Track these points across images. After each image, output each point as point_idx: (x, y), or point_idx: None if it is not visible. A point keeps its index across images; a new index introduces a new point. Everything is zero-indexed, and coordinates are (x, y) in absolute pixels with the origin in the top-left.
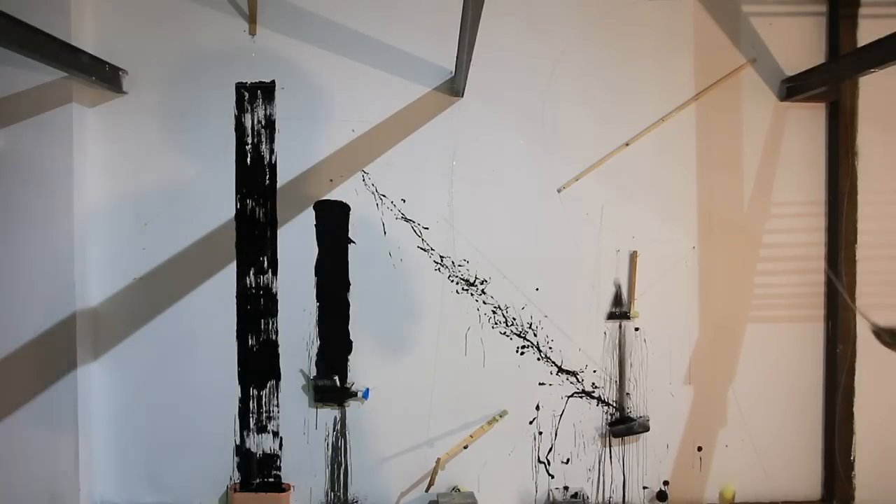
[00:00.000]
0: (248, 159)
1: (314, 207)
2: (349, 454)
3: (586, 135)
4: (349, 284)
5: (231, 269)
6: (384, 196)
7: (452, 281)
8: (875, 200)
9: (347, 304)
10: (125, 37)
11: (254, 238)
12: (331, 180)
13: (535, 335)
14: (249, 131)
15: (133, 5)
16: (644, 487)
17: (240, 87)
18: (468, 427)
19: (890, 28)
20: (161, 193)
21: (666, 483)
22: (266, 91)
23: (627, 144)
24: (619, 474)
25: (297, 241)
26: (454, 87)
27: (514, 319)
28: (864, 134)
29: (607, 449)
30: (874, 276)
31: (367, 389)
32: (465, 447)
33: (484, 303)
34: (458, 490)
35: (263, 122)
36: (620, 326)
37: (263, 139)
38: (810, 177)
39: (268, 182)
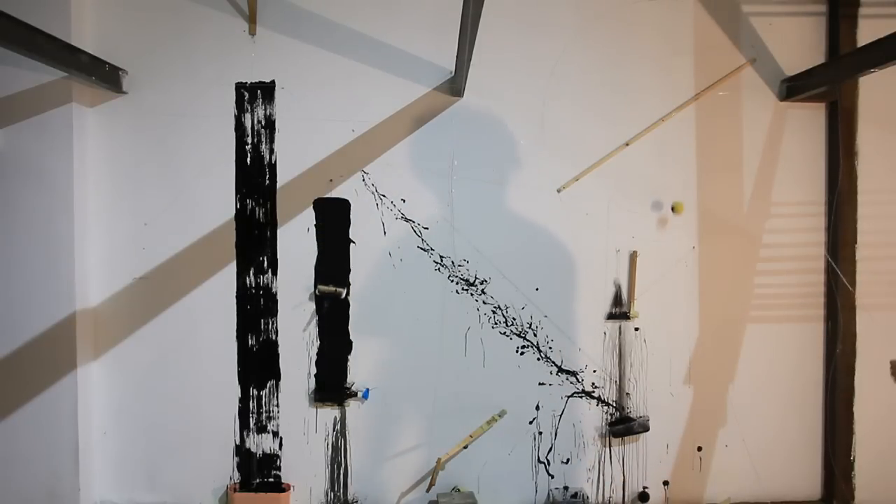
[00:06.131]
0: (248, 159)
1: (314, 207)
2: (349, 454)
3: (586, 135)
4: (349, 284)
5: (231, 269)
6: (384, 196)
7: (452, 281)
8: (875, 200)
9: (347, 304)
10: (125, 37)
11: (254, 238)
12: (331, 180)
13: (535, 335)
14: (249, 131)
15: (133, 5)
16: (644, 487)
17: (240, 87)
18: (468, 427)
19: (890, 28)
20: (161, 193)
21: (666, 483)
22: (266, 91)
23: (627, 144)
24: (619, 474)
25: (297, 241)
26: (454, 87)
27: (514, 319)
28: (864, 134)
29: (607, 449)
30: (874, 276)
31: (367, 389)
32: (465, 447)
33: (484, 303)
34: (458, 490)
35: (263, 122)
36: (620, 326)
37: (263, 139)
38: (810, 177)
39: (268, 182)
